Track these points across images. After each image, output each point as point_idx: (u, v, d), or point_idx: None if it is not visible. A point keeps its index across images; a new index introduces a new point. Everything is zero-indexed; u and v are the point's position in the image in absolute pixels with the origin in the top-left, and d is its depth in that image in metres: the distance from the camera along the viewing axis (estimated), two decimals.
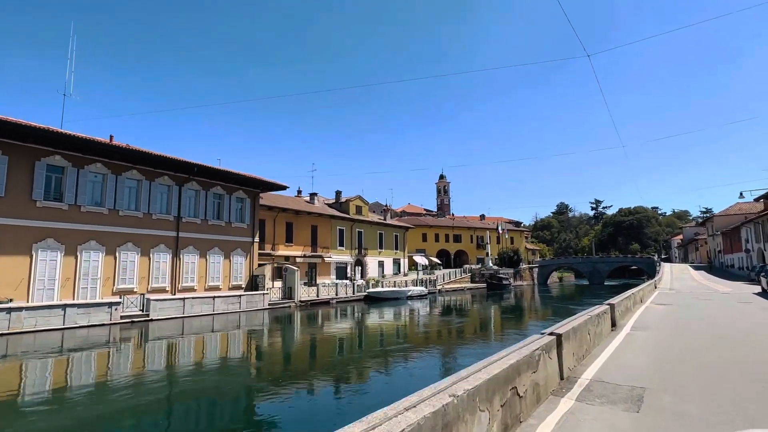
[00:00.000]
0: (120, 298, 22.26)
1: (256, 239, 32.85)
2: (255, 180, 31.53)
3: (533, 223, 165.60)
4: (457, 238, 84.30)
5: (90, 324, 20.13)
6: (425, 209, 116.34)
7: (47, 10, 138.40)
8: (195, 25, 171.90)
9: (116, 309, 21.18)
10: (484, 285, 60.02)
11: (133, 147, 24.05)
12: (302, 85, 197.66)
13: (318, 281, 50.51)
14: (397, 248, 66.80)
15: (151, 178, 26.35)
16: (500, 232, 77.53)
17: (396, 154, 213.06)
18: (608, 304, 10.53)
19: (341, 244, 56.34)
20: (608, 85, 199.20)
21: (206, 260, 28.76)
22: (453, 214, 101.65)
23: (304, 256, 50.34)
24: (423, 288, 45.29)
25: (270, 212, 46.85)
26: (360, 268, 59.01)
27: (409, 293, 42.11)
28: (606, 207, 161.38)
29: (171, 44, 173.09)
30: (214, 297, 26.07)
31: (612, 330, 10.23)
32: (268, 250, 46.03)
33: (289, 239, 49.06)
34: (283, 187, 33.79)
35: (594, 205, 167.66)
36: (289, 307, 31.03)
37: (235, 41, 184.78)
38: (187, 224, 28.06)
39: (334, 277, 54.35)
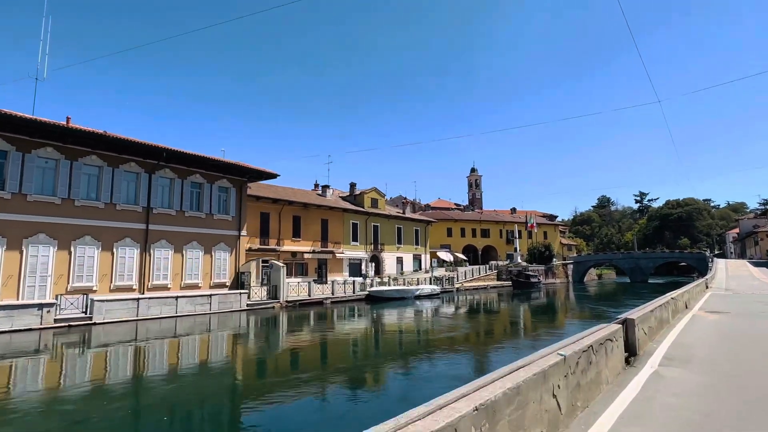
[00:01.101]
0: (56, 298, 19.56)
1: (243, 232, 29.83)
2: (240, 167, 28.46)
3: (572, 217, 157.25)
4: (485, 233, 79.31)
5: (13, 329, 17.49)
6: (455, 204, 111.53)
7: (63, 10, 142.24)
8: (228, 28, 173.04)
9: (48, 311, 18.47)
10: (510, 283, 55.13)
11: (87, 129, 21.34)
12: (334, 80, 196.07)
13: (329, 278, 47.45)
14: (417, 243, 62.83)
15: (114, 165, 23.69)
16: (530, 225, 71.95)
17: (428, 149, 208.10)
18: (621, 321, 6.46)
19: (355, 239, 53.00)
20: (658, 74, 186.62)
21: (183, 256, 25.93)
22: (481, 209, 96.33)
23: (314, 252, 47.35)
24: (434, 286, 41.21)
25: (275, 205, 44.07)
26: (376, 264, 55.55)
27: (417, 292, 38.18)
28: (652, 200, 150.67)
29: (204, 46, 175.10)
30: (177, 297, 23.12)
31: (627, 365, 6.15)
32: (273, 246, 43.30)
33: (296, 234, 46.16)
34: (273, 175, 30.60)
35: (638, 198, 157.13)
36: (273, 307, 27.76)
37: (266, 44, 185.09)
38: (160, 216, 25.29)
39: (347, 274, 51.11)
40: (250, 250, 40.94)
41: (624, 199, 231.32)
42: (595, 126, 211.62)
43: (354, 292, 34.42)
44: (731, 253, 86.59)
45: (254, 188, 44.72)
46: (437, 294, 40.90)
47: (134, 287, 23.64)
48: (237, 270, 28.66)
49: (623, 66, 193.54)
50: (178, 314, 22.79)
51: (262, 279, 39.58)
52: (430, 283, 43.14)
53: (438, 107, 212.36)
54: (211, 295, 24.67)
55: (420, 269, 62.24)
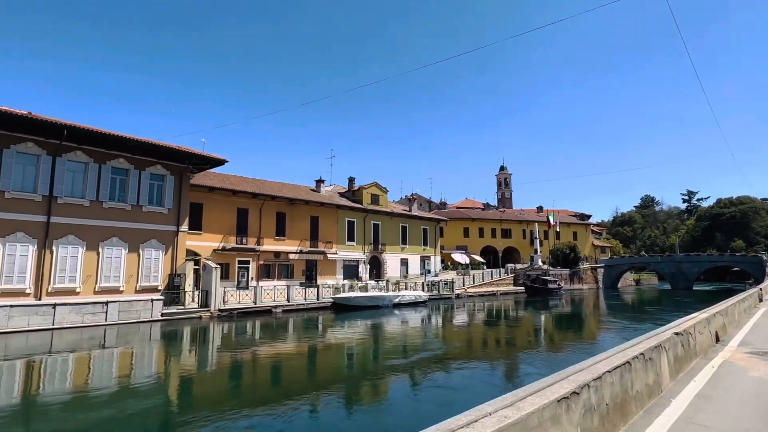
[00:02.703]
0: None
1: (184, 228, 25.40)
2: (178, 152, 24.10)
3: (612, 218, 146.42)
4: (506, 234, 72.68)
5: None
6: (483, 203, 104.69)
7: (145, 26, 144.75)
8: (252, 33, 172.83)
9: None
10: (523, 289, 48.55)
11: None
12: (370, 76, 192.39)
13: (319, 281, 42.79)
14: (426, 244, 57.30)
15: (5, 145, 19.84)
16: (552, 224, 64.82)
17: (462, 147, 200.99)
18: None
19: (351, 239, 48.16)
20: (705, 68, 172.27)
21: (99, 254, 21.81)
22: (504, 208, 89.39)
23: (301, 252, 42.88)
24: (420, 293, 35.39)
25: (255, 200, 39.92)
26: (376, 266, 50.45)
27: (396, 299, 32.55)
28: (701, 199, 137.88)
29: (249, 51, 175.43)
30: (54, 305, 18.89)
31: None
32: (251, 245, 39.15)
33: (280, 232, 41.84)
34: (221, 161, 26.09)
35: (686, 197, 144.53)
36: (200, 318, 23.05)
37: (308, 47, 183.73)
38: (66, 206, 21.23)
39: (341, 276, 46.34)
40: (223, 249, 36.92)
41: (671, 199, 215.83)
42: (640, 122, 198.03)
43: (318, 299, 29.31)
44: None
45: (232, 181, 40.71)
46: (423, 301, 35.39)
47: (28, 291, 19.66)
48: (174, 272, 24.27)
49: (669, 59, 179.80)
50: (55, 326, 18.58)
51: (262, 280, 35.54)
52: (424, 288, 37.46)
53: (473, 103, 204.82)
54: (107, 303, 20.24)
55: (430, 272, 56.69)
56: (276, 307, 26.52)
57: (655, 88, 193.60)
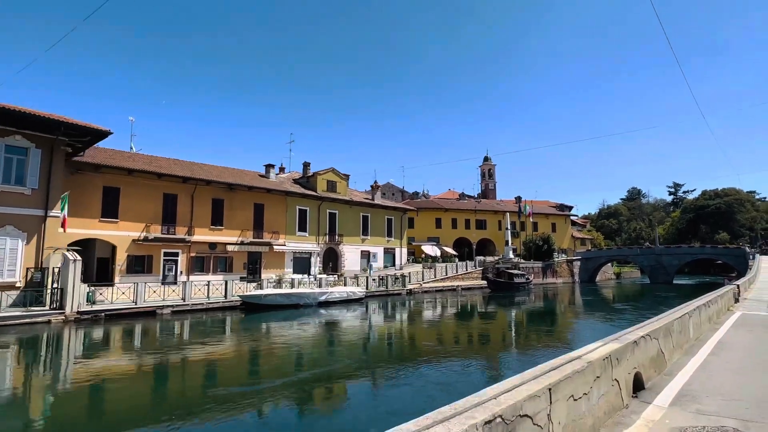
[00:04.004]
0: None
1: (55, 212, 21.13)
2: (43, 119, 19.75)
3: (598, 211, 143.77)
4: (481, 225, 69.07)
5: None
6: (459, 193, 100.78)
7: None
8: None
9: None
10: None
11: None
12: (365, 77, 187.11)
13: (264, 275, 38.81)
14: (390, 235, 53.42)
15: None
16: (526, 213, 61.30)
17: (448, 139, 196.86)
18: None
19: (303, 229, 44.20)
20: (690, 61, 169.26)
21: None
22: (480, 199, 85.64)
23: (242, 244, 38.86)
24: (354, 289, 30.86)
25: (185, 185, 35.79)
26: (332, 259, 46.53)
27: (322, 297, 28.43)
28: (688, 191, 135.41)
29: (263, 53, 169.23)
30: None
31: None
32: (181, 235, 35.03)
33: (217, 221, 37.79)
34: (103, 133, 21.69)
35: (672, 190, 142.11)
36: (49, 322, 18.78)
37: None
38: None
39: (291, 270, 42.39)
40: (145, 240, 32.82)
41: (657, 192, 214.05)
42: (629, 118, 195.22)
43: (226, 297, 25.16)
44: None
45: (161, 164, 36.41)
46: (359, 299, 31.37)
47: None
48: (40, 265, 20.09)
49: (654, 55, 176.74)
50: None
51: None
52: (368, 284, 33.43)
53: (457, 96, 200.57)
54: None
55: (394, 265, 52.91)
56: (163, 307, 22.27)
57: (646, 81, 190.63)
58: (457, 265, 47.97)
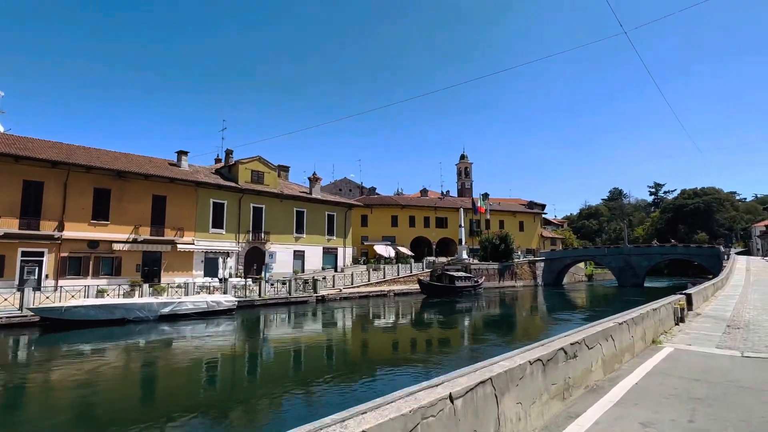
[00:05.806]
0: None
1: None
2: None
3: (579, 211, 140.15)
4: (441, 223, 63.88)
5: None
6: (441, 193, 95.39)
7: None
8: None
9: None
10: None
11: None
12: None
13: (165, 279, 33.03)
14: (332, 234, 47.85)
15: None
16: (479, 208, 56.26)
17: (427, 138, 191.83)
18: None
19: (218, 225, 38.47)
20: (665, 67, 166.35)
21: None
22: (442, 194, 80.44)
23: (134, 242, 33.01)
24: (219, 298, 24.67)
25: (54, 170, 30.02)
26: (257, 260, 40.67)
27: (167, 309, 22.20)
28: (668, 191, 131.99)
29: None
30: None
31: None
32: (47, 231, 29.22)
33: (101, 214, 32.01)
34: None
35: (653, 190, 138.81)
36: None
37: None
38: None
39: (201, 272, 36.64)
40: None
41: (639, 193, 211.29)
42: (614, 120, 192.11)
43: (21, 309, 19.09)
44: (757, 249, 68.89)
45: (25, 145, 30.45)
46: (227, 309, 24.61)
47: None
48: None
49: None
50: None
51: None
52: (261, 291, 27.55)
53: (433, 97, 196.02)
54: None
55: (335, 266, 47.30)
56: None
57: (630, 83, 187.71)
58: (399, 267, 42.53)
